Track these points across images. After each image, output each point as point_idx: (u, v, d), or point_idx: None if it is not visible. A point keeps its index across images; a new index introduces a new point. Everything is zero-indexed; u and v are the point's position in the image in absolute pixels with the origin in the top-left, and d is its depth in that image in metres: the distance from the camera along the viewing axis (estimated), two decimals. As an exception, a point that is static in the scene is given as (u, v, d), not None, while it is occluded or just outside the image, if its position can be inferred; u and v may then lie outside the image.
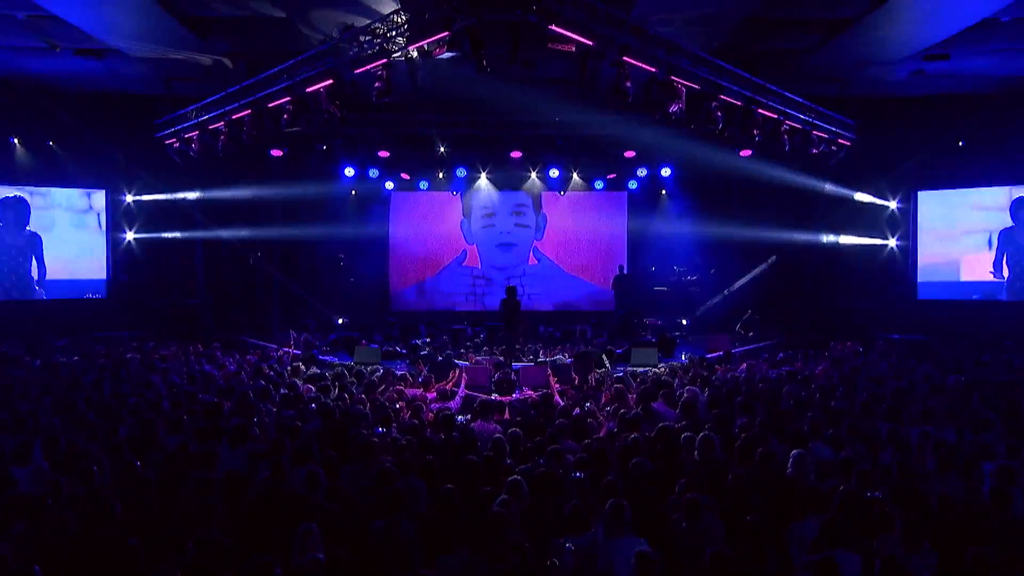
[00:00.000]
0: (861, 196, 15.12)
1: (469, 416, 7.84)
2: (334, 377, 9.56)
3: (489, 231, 17.34)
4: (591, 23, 8.72)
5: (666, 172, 15.89)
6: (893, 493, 4.81)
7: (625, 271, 16.45)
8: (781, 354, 11.49)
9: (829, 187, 14.58)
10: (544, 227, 17.33)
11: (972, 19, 9.80)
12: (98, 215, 15.00)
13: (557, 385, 9.68)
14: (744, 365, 10.46)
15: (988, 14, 9.63)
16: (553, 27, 8.42)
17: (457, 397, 8.78)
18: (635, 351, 11.80)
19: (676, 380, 9.45)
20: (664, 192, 16.83)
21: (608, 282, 16.67)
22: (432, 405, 8.23)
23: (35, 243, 14.48)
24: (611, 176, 16.54)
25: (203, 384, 8.76)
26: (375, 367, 10.63)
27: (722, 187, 15.85)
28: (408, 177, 16.43)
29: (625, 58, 9.01)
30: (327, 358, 12.26)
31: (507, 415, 8.18)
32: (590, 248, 17.37)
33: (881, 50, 11.46)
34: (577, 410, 7.55)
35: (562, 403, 8.42)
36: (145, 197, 15.22)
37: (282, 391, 8.32)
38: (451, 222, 17.37)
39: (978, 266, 14.48)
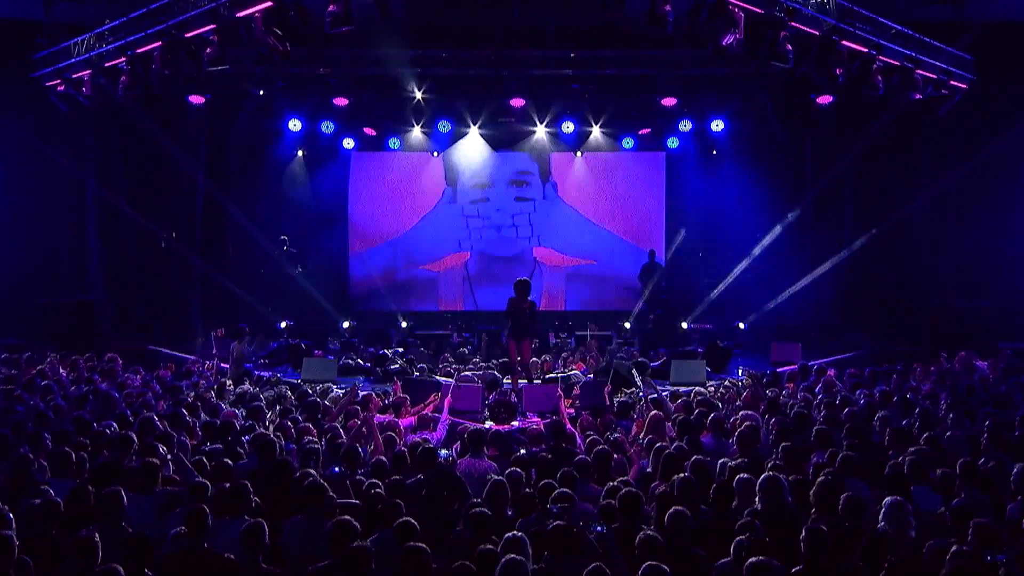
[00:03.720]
0: (980, 156, 15.06)
1: (455, 451, 7.85)
2: (274, 399, 9.59)
3: (481, 207, 17.31)
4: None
5: (717, 126, 15.87)
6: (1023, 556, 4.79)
7: (657, 258, 16.46)
8: (871, 368, 11.49)
9: (936, 144, 14.51)
10: (554, 201, 17.28)
11: None
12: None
13: (570, 410, 9.69)
14: (821, 383, 10.47)
15: None
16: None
17: (440, 425, 8.79)
18: (676, 364, 11.84)
19: (730, 403, 9.47)
20: (715, 152, 16.82)
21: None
22: (406, 436, 8.25)
23: None
24: (644, 132, 16.54)
25: (98, 409, 8.75)
26: (329, 385, 10.65)
27: (793, 146, 15.79)
28: (374, 133, 16.43)
29: (663, -28, 8.98)
30: (266, 373, 12.27)
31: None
32: (617, 227, 17.37)
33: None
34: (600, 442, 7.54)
35: (577, 433, 8.44)
36: (19, 159, 15.13)
37: (204, 418, 8.32)
38: (431, 192, 17.36)
39: None
